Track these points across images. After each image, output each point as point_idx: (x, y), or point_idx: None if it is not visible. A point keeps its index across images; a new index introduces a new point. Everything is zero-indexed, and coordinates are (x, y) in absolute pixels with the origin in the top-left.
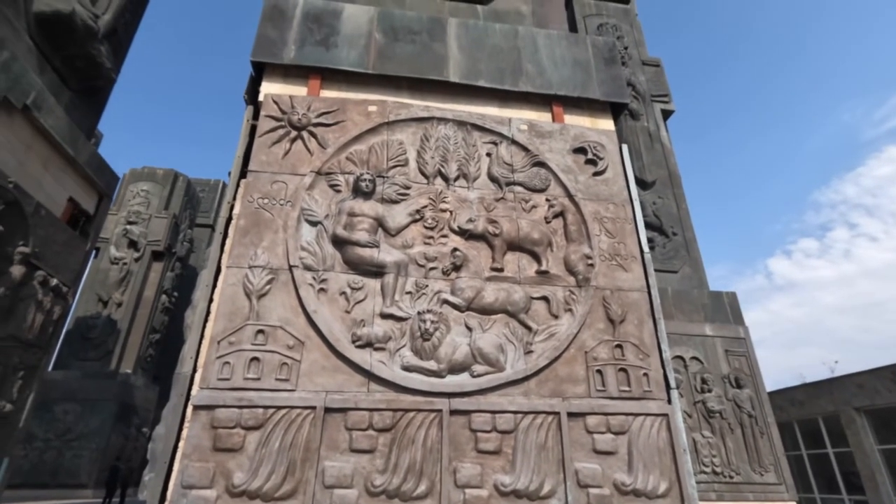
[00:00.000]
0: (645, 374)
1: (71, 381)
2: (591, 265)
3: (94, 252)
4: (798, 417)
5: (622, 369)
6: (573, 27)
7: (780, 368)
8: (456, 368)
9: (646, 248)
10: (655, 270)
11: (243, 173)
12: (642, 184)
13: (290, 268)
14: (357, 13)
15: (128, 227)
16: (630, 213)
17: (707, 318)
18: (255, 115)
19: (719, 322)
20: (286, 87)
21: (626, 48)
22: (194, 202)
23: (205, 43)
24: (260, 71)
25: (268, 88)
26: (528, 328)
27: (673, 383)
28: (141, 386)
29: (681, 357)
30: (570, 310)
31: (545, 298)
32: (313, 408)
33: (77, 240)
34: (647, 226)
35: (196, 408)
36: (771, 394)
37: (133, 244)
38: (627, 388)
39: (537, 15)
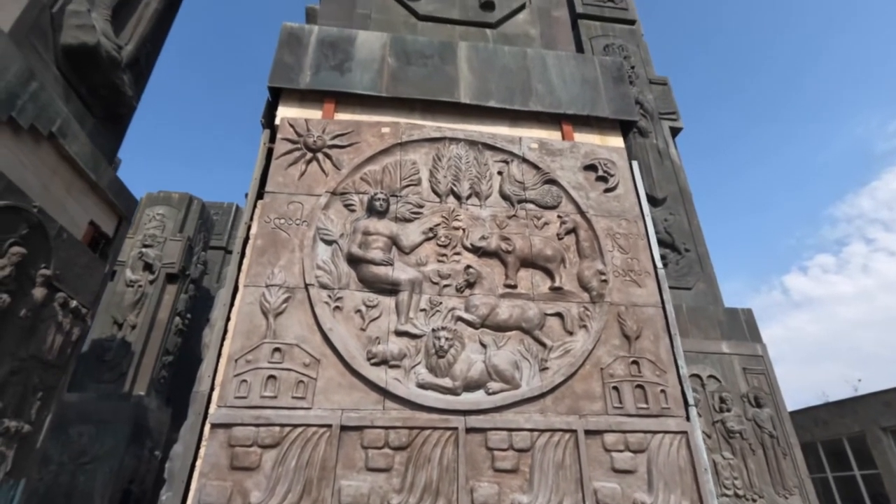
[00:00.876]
0: (662, 391)
1: (86, 403)
2: (605, 281)
3: (111, 275)
4: (822, 438)
5: (639, 386)
6: (580, 48)
7: (800, 386)
8: (471, 386)
9: (659, 264)
10: (669, 287)
11: (260, 194)
12: (653, 200)
13: (307, 286)
14: (370, 39)
15: (143, 249)
16: (642, 229)
17: (723, 335)
18: (272, 139)
19: (736, 339)
20: (302, 111)
21: (632, 67)
22: (208, 225)
23: (218, 67)
24: (277, 96)
25: (284, 112)
26: (543, 345)
27: (691, 400)
28: (154, 408)
29: (698, 375)
30: (585, 326)
31: (559, 315)
32: (329, 426)
33: (97, 262)
34: (660, 242)
35: (214, 426)
36: (792, 413)
37: (148, 267)
38: (645, 406)
39: (545, 37)
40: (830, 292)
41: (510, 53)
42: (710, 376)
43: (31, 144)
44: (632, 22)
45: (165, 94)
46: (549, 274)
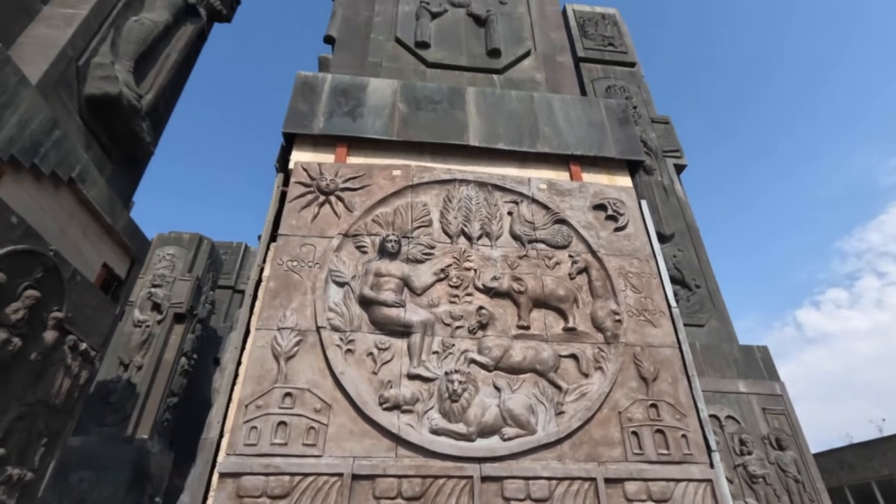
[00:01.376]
0: (683, 436)
1: (88, 447)
2: (619, 321)
3: (120, 316)
4: (849, 482)
5: (659, 430)
6: (583, 90)
7: (821, 426)
8: (486, 431)
9: (673, 303)
10: (689, 325)
11: (273, 237)
12: (661, 237)
13: (318, 329)
14: (381, 86)
15: (153, 289)
16: (654, 268)
17: (740, 373)
18: (286, 182)
19: (753, 378)
20: (315, 155)
21: (635, 107)
22: (217, 264)
23: (231, 108)
24: (291, 141)
25: (298, 157)
26: (559, 388)
27: (714, 445)
28: (157, 452)
29: (716, 416)
30: (601, 368)
31: (574, 356)
32: (340, 475)
33: (108, 304)
34: (670, 279)
35: (222, 475)
36: (817, 455)
37: (157, 307)
38: (666, 452)
39: (550, 81)
40: (845, 328)
41: (517, 98)
42: (729, 417)
43: (52, 189)
44: (632, 64)
45: (178, 134)
46: (563, 314)
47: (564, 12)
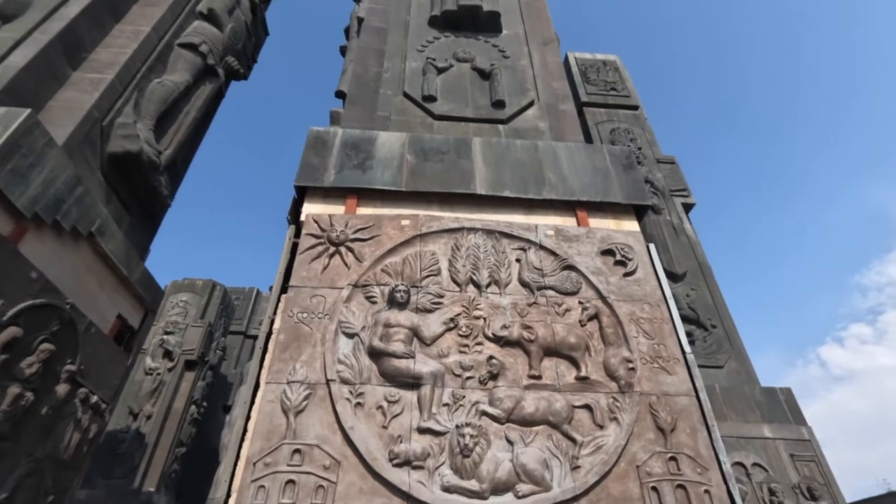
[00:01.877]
0: (706, 491)
1: (95, 500)
2: (633, 369)
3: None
4: None
5: (680, 486)
6: (587, 134)
7: (856, 472)
8: (499, 488)
9: (688, 349)
10: (699, 365)
11: (284, 289)
12: (673, 276)
13: (328, 382)
14: (390, 139)
15: (165, 336)
16: (666, 313)
17: (763, 417)
18: (297, 234)
19: (778, 422)
20: (326, 207)
21: (639, 149)
22: (229, 310)
23: (246, 157)
24: (302, 193)
25: (309, 209)
26: (573, 440)
27: (738, 501)
28: None
29: (741, 464)
30: (616, 419)
31: (588, 407)
32: None
33: (120, 355)
34: (684, 319)
35: None
36: None
37: (168, 354)
38: None
39: (554, 130)
40: (872, 364)
41: (522, 146)
42: (756, 464)
43: (71, 243)
44: (634, 107)
45: (192, 180)
46: (574, 363)
47: (566, 60)
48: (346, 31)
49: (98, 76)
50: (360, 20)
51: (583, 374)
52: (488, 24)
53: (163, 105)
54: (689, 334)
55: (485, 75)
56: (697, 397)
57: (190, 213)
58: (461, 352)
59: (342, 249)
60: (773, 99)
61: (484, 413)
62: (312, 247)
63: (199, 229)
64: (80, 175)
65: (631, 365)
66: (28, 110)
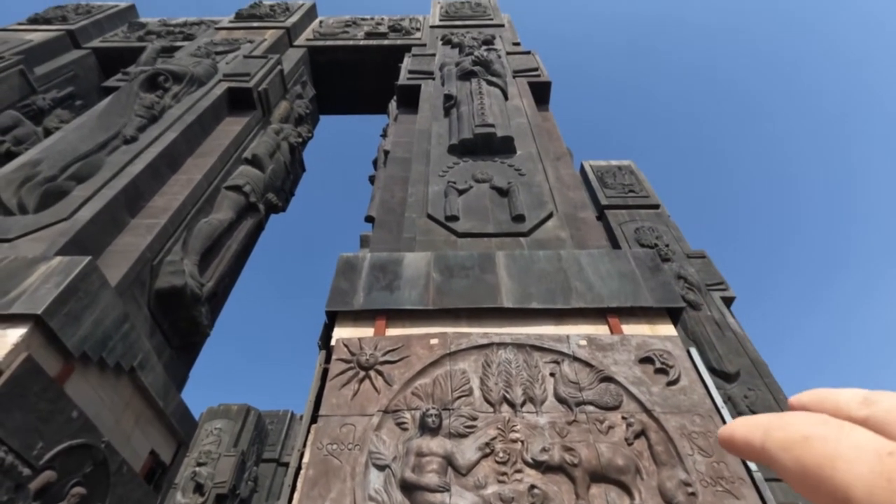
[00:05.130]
0: None
1: None
2: (693, 494)
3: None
4: None
5: None
6: (611, 235)
7: None
8: None
9: (753, 466)
10: (767, 480)
11: (314, 418)
12: (725, 376)
13: None
14: (416, 259)
15: (197, 468)
16: (720, 424)
17: None
18: (328, 359)
19: None
20: (356, 330)
21: (667, 245)
22: (263, 436)
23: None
24: (333, 318)
25: (339, 333)
26: None
27: None
28: None
29: None
30: None
31: None
32: None
33: (150, 496)
34: None
35: None
36: None
37: (199, 488)
38: None
39: (576, 238)
40: None
41: (545, 257)
42: None
43: (113, 379)
44: (655, 206)
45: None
46: (626, 489)
47: (582, 169)
48: (374, 163)
49: (153, 221)
50: (387, 152)
51: (637, 502)
52: (503, 147)
53: (208, 241)
54: None
55: (503, 192)
56: None
57: (227, 337)
58: (500, 481)
59: (372, 373)
60: (808, 175)
61: None
62: (342, 372)
63: (236, 351)
64: (128, 312)
65: (690, 489)
66: (88, 258)
